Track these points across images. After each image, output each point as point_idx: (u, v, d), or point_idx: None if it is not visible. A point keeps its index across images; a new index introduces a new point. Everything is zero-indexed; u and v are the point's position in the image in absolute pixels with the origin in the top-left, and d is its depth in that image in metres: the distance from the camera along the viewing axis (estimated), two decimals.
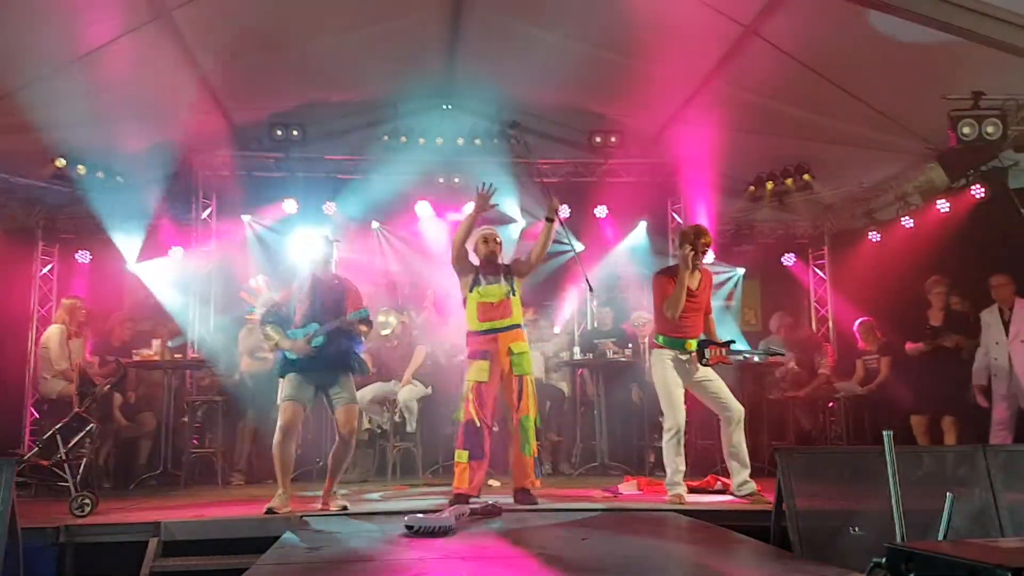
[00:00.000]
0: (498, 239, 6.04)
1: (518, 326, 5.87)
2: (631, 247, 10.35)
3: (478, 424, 5.61)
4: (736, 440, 5.72)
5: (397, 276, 10.08)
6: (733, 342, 6.09)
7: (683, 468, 5.77)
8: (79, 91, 7.37)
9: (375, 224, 10.18)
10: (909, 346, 7.61)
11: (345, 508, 5.35)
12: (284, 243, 9.66)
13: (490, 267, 5.93)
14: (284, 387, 5.47)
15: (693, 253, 5.78)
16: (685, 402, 5.84)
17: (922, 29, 6.17)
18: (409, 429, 7.74)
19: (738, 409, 5.77)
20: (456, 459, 5.74)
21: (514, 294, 5.84)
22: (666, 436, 5.80)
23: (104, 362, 7.83)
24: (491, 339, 5.75)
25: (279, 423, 5.36)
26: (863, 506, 4.22)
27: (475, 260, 5.99)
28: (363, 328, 5.63)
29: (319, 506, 5.44)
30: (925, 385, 7.31)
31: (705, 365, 5.80)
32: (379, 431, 8.04)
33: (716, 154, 9.31)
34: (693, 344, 5.84)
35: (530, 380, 5.78)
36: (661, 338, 5.92)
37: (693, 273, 5.88)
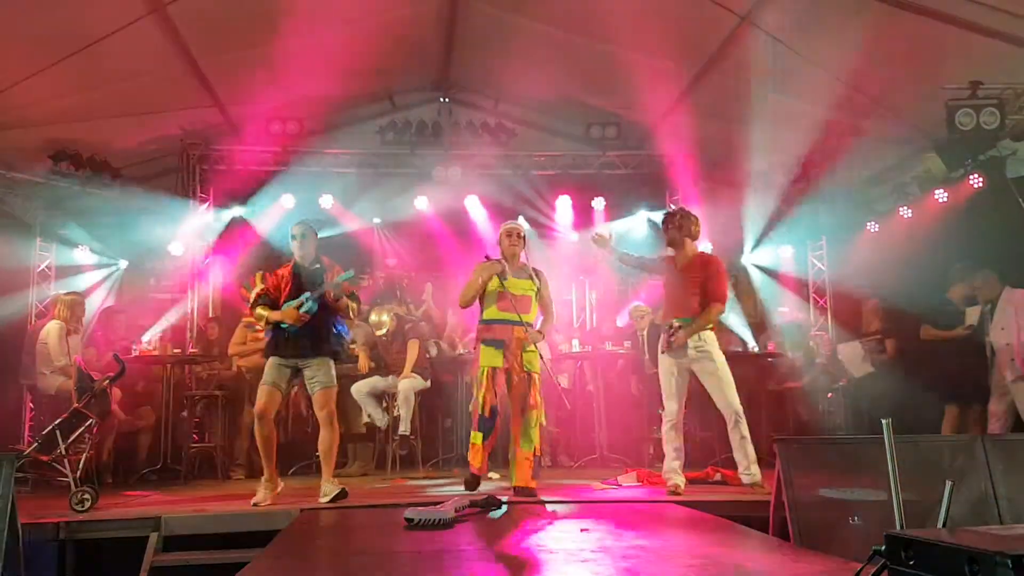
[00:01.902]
0: (521, 234, 5.98)
1: (532, 325, 5.88)
2: (629, 239, 10.36)
3: (493, 409, 5.66)
4: (734, 440, 5.66)
5: (395, 270, 10.08)
6: (680, 327, 5.76)
7: (680, 458, 5.74)
8: (76, 86, 7.36)
9: (376, 220, 10.18)
10: (928, 329, 7.55)
11: (344, 494, 5.38)
12: (281, 237, 9.64)
13: (515, 262, 5.92)
14: (264, 372, 5.53)
15: (669, 232, 5.90)
16: (687, 392, 5.82)
17: (919, 18, 6.18)
18: (403, 429, 7.68)
19: (729, 410, 5.65)
20: (472, 440, 5.79)
21: (538, 297, 5.87)
22: (663, 423, 5.85)
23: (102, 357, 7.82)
24: (507, 329, 5.73)
25: (255, 408, 5.45)
26: (863, 496, 4.22)
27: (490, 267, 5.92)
28: (351, 304, 5.67)
29: (321, 499, 5.44)
30: (955, 374, 7.25)
31: (662, 353, 5.77)
32: (378, 427, 8.00)
33: (713, 145, 9.32)
34: (677, 322, 5.75)
35: (537, 378, 5.78)
36: (662, 324, 5.93)
37: (680, 252, 5.90)
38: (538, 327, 5.92)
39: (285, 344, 5.48)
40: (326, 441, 5.54)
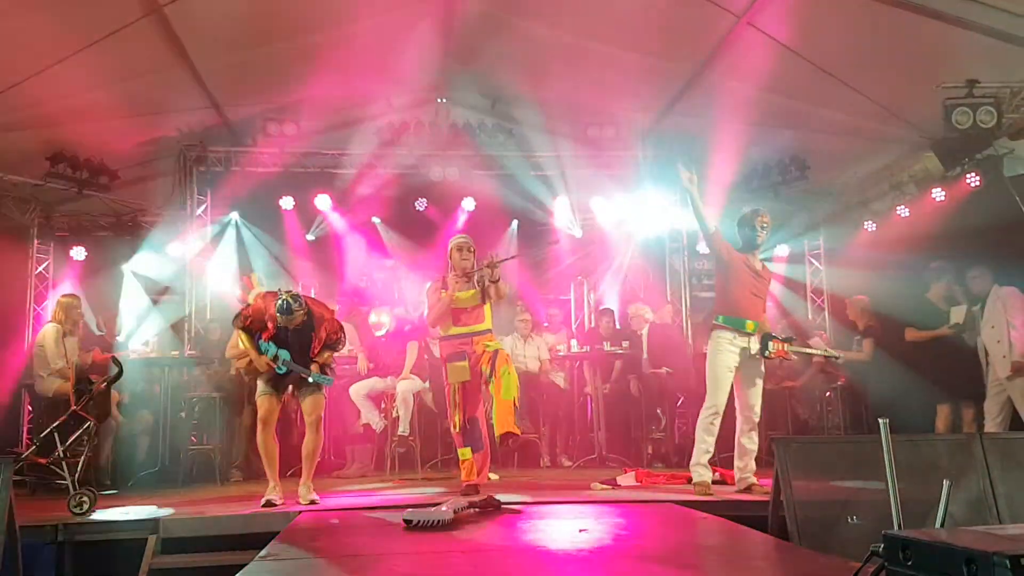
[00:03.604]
0: (471, 247, 6.08)
1: (490, 331, 6.01)
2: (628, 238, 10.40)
3: (472, 420, 5.84)
4: (744, 445, 5.71)
5: (394, 270, 10.09)
6: (794, 339, 5.95)
7: (711, 450, 5.75)
8: (72, 88, 7.35)
9: (375, 220, 10.19)
10: (912, 332, 7.57)
11: (314, 502, 5.40)
12: (280, 238, 9.69)
13: (463, 274, 6.00)
14: (259, 384, 5.61)
15: (753, 233, 5.80)
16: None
17: (916, 17, 6.18)
18: (402, 430, 7.68)
19: (751, 415, 5.72)
20: (460, 456, 5.95)
21: (486, 301, 5.92)
22: (702, 414, 5.77)
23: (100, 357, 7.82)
24: (466, 341, 5.91)
25: (258, 416, 5.54)
26: (861, 495, 4.23)
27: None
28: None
29: (302, 501, 5.46)
30: (944, 373, 7.26)
31: (767, 358, 5.73)
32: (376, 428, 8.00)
33: (711, 145, 9.31)
34: (752, 326, 5.72)
35: (503, 353, 5.88)
36: (721, 318, 5.81)
37: (755, 254, 5.87)
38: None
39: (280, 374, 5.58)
40: (311, 444, 5.62)
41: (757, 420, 5.73)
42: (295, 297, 5.45)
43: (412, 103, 9.92)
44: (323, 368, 5.62)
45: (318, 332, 5.61)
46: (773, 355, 5.73)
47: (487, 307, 5.99)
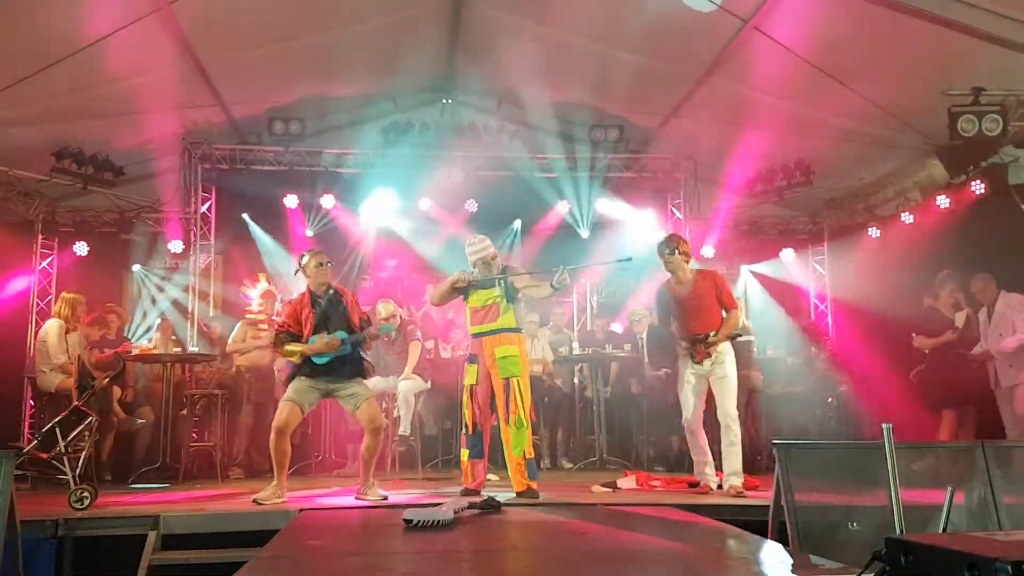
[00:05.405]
0: (495, 255, 5.98)
1: (506, 330, 5.77)
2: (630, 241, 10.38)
3: (477, 427, 5.82)
4: (723, 447, 5.82)
5: (396, 271, 10.09)
6: (712, 334, 5.92)
7: (702, 458, 5.97)
8: (78, 84, 7.37)
9: (378, 221, 10.19)
10: (919, 338, 7.55)
11: (385, 498, 5.45)
12: (281, 236, 9.69)
13: (483, 273, 5.92)
14: (289, 389, 5.55)
15: (676, 257, 5.96)
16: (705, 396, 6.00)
17: (923, 24, 6.19)
18: (403, 429, 7.66)
19: (724, 417, 5.81)
20: (461, 458, 5.98)
21: (508, 300, 5.79)
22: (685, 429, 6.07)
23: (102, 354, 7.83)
24: (478, 343, 5.85)
25: (274, 422, 5.47)
26: (861, 501, 4.22)
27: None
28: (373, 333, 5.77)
29: (356, 498, 5.52)
30: (951, 378, 7.24)
31: (697, 363, 5.89)
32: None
33: (715, 149, 9.32)
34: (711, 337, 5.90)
35: (517, 382, 5.69)
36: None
37: (680, 275, 5.99)
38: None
39: (319, 368, 5.54)
40: (370, 449, 5.59)
41: (731, 423, 5.80)
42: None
43: (417, 103, 9.94)
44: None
45: (347, 300, 5.70)
46: (699, 358, 5.88)
47: (504, 306, 5.79)
